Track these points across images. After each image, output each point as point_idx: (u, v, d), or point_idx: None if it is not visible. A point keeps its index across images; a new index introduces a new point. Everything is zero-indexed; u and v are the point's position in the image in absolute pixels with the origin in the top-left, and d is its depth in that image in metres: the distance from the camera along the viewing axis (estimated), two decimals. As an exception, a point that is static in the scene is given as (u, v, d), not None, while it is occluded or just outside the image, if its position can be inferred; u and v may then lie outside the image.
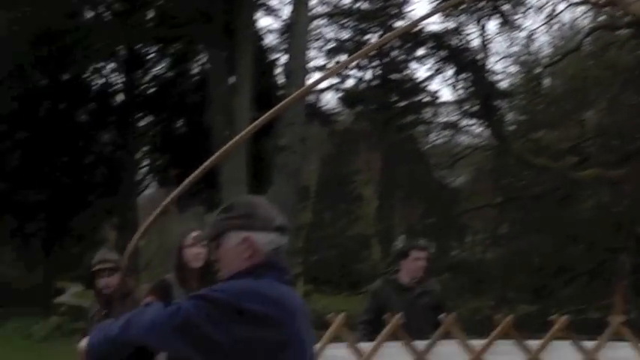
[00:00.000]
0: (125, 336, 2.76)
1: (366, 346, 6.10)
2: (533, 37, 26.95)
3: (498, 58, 28.01)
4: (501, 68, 28.43)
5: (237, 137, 3.06)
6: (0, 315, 26.85)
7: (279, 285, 2.88)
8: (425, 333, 6.96)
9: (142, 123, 29.82)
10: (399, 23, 26.51)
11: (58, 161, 26.35)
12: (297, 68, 18.82)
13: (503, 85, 28.59)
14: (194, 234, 5.88)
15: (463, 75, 27.65)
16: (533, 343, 6.65)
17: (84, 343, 2.92)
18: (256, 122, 2.95)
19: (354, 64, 27.00)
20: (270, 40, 27.57)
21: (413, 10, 27.77)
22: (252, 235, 2.93)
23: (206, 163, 3.01)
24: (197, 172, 3.02)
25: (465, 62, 27.04)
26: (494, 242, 29.50)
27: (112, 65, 29.14)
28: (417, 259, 7.63)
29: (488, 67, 27.49)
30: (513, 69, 29.24)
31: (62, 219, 28.21)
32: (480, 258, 32.09)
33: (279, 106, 3.01)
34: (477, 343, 6.60)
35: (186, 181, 3.07)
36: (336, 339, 5.92)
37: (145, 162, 31.30)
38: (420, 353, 6.26)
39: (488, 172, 27.11)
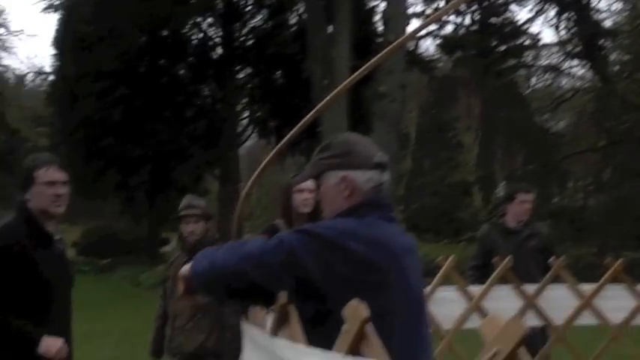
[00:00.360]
0: (229, 266, 2.69)
1: (475, 289, 6.12)
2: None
3: (602, -4, 27.06)
4: (605, 6, 27.57)
5: (338, 88, 2.97)
6: (108, 265, 27.91)
7: (383, 223, 2.82)
8: (533, 276, 6.93)
9: (240, 75, 30.06)
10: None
11: (160, 115, 26.83)
12: (396, 15, 18.55)
13: (608, 23, 27.60)
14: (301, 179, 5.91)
15: (565, 15, 26.85)
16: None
17: (186, 269, 2.91)
18: (358, 72, 2.85)
19: (452, 9, 26.52)
20: (367, -13, 27.29)
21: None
22: (351, 173, 2.87)
23: (308, 116, 2.94)
24: (300, 124, 2.93)
25: (568, 1, 26.21)
26: (596, 188, 28.86)
27: (209, 19, 29.37)
28: (523, 202, 7.59)
29: (592, 5, 26.59)
30: (618, 6, 28.23)
31: (165, 172, 28.82)
32: (582, 204, 31.49)
33: (380, 55, 2.88)
34: (587, 287, 6.55)
35: (290, 133, 2.99)
36: (445, 282, 5.95)
37: (245, 114, 31.64)
38: (529, 297, 6.25)
39: (590, 115, 26.40)
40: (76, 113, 25.47)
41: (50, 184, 4.35)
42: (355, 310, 1.86)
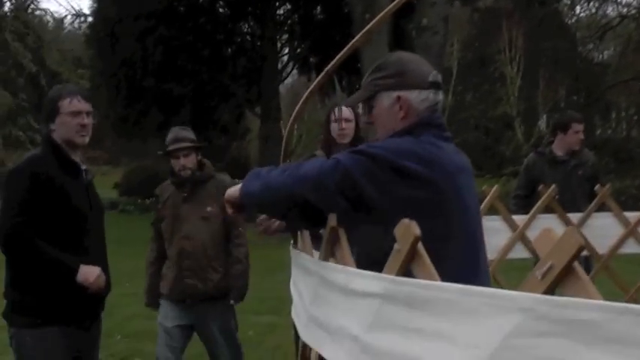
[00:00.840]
0: (286, 187, 2.59)
1: (520, 218, 6.11)
2: None
3: None
4: None
5: (376, 19, 2.88)
6: (152, 204, 28.23)
7: (439, 142, 2.73)
8: (580, 205, 6.91)
9: (280, 12, 29.83)
10: None
11: (200, 55, 26.80)
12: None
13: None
14: (340, 108, 5.62)
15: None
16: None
17: (234, 190, 2.85)
18: (394, 4, 2.79)
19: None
20: None
21: None
22: (406, 93, 2.80)
23: (348, 46, 2.88)
24: (340, 54, 2.89)
25: None
26: (641, 119, 28.44)
27: (247, -45, 29.10)
28: (577, 132, 7.54)
29: None
30: None
31: (206, 111, 28.91)
32: (626, 136, 31.08)
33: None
34: (631, 215, 6.51)
35: (330, 64, 2.93)
36: (489, 211, 5.94)
37: (285, 51, 31.49)
38: (573, 226, 6.23)
39: (637, 43, 25.84)
40: (116, 55, 25.54)
41: (74, 114, 4.35)
42: (406, 229, 1.84)
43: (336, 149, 5.26)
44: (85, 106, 4.41)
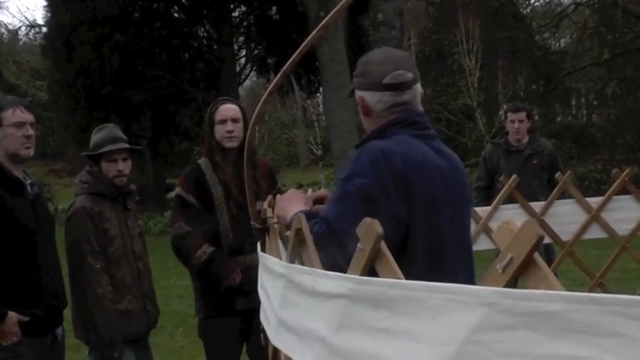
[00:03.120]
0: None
1: (482, 210, 6.15)
2: None
3: None
4: None
5: (330, 13, 2.83)
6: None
7: (411, 140, 2.72)
8: (537, 194, 6.98)
9: (235, 14, 29.76)
10: None
11: (157, 60, 26.66)
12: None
13: None
14: (224, 106, 5.00)
15: None
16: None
17: (285, 213, 2.80)
18: (344, 1, 2.76)
19: None
20: None
21: None
22: (364, 94, 2.84)
23: (303, 44, 2.87)
24: (296, 53, 2.87)
25: None
26: (600, 103, 28.72)
27: (200, -42, 28.97)
28: (512, 122, 7.61)
29: None
30: None
31: (167, 117, 28.77)
32: (586, 121, 31.40)
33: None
34: (593, 200, 6.57)
35: (287, 64, 2.92)
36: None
37: (242, 53, 31.41)
38: (536, 214, 6.27)
39: (593, 29, 26.11)
40: (73, 64, 25.29)
41: (19, 126, 4.20)
42: (368, 228, 1.84)
43: (223, 156, 4.90)
44: (28, 116, 4.27)
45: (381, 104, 2.80)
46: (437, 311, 1.57)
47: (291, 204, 2.85)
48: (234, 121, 4.89)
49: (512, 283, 1.49)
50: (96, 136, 4.90)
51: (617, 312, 1.27)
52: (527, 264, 1.48)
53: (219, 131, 4.89)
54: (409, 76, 2.82)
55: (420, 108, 2.90)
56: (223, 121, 4.88)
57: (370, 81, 2.81)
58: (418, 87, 2.88)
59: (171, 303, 10.33)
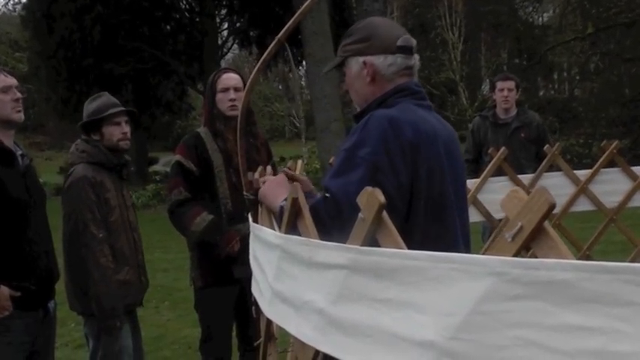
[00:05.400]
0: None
1: (471, 182, 6.12)
2: None
3: None
4: None
5: None
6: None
7: (416, 109, 2.68)
8: (524, 166, 6.97)
9: (218, -14, 29.58)
10: None
11: (139, 32, 26.45)
12: None
13: None
14: (227, 75, 4.99)
15: None
16: (638, 169, 6.61)
17: (274, 199, 2.74)
18: None
19: None
20: None
21: None
22: (371, 58, 2.76)
23: (291, 22, 2.82)
24: (283, 31, 2.83)
25: None
26: (583, 78, 28.80)
27: None
28: (501, 90, 7.56)
29: None
30: None
31: (149, 89, 28.62)
32: (569, 95, 31.51)
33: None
34: (581, 173, 6.58)
35: (274, 41, 2.88)
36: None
37: (225, 26, 31.24)
38: (525, 187, 6.26)
39: (576, 3, 26.11)
40: (54, 35, 25.07)
41: (5, 90, 4.09)
42: (370, 197, 1.79)
43: (225, 124, 4.89)
44: (13, 80, 4.16)
45: (394, 67, 2.74)
46: (440, 281, 1.54)
47: (277, 189, 2.79)
48: (237, 89, 4.86)
49: (521, 254, 1.46)
50: (93, 104, 4.80)
51: (630, 280, 1.24)
52: (538, 232, 1.44)
53: (222, 99, 4.86)
54: (414, 41, 2.83)
55: (417, 78, 2.88)
56: (226, 89, 4.86)
57: (382, 44, 2.74)
58: (417, 56, 2.86)
59: (157, 277, 10.29)
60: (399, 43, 2.75)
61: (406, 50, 2.77)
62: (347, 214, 2.23)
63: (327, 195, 2.44)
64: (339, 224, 2.23)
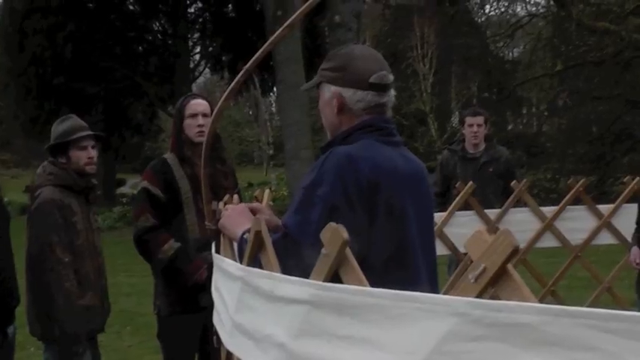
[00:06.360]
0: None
1: (437, 216, 6.13)
2: None
3: None
4: None
5: (293, 17, 2.75)
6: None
7: (379, 146, 2.64)
8: (492, 201, 7.00)
9: (191, 10, 29.62)
10: None
11: (111, 52, 26.38)
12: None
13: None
14: (196, 101, 4.94)
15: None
16: (603, 208, 6.67)
17: (234, 231, 2.69)
18: (310, 1, 2.65)
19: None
20: None
21: None
22: (342, 90, 2.70)
23: (263, 48, 2.75)
24: (255, 56, 2.76)
25: None
26: (551, 113, 29.09)
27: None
28: (470, 126, 7.59)
29: None
30: None
31: (119, 110, 28.50)
32: (537, 130, 31.80)
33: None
34: (547, 209, 6.63)
35: (246, 66, 2.83)
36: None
37: (197, 49, 31.27)
38: (491, 222, 6.30)
39: (546, 40, 26.43)
40: (25, 52, 24.92)
41: None
42: (334, 233, 1.79)
43: (192, 150, 4.81)
44: None
45: (362, 103, 2.70)
46: (403, 319, 1.53)
47: (238, 219, 2.74)
48: (205, 115, 4.81)
49: (484, 295, 1.45)
50: (62, 126, 4.77)
51: (592, 325, 1.24)
52: (501, 274, 1.44)
53: (190, 125, 4.81)
54: (391, 77, 2.76)
55: (390, 113, 2.84)
56: (194, 115, 4.81)
57: (354, 78, 2.70)
58: (393, 91, 2.81)
59: (120, 301, 10.18)
60: (372, 79, 2.68)
61: (379, 88, 2.71)
62: (304, 252, 2.22)
63: (286, 233, 2.42)
64: (297, 261, 2.22)
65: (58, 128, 4.77)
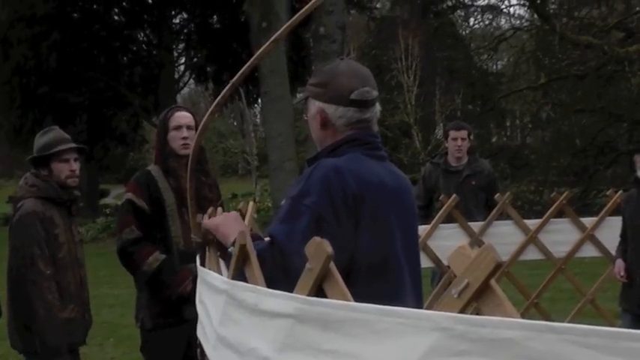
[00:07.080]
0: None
1: (421, 228, 6.14)
2: None
3: None
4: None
5: (281, 30, 2.74)
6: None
7: (365, 159, 2.67)
8: (475, 214, 7.03)
9: (176, 20, 29.59)
10: None
11: (95, 62, 26.30)
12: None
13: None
14: (180, 113, 4.95)
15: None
16: (586, 220, 6.71)
17: (225, 236, 2.68)
18: (298, 14, 2.65)
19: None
20: None
21: None
22: (325, 106, 2.74)
23: (251, 60, 2.74)
24: (243, 69, 2.75)
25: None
26: (535, 126, 29.20)
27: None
28: (454, 140, 7.62)
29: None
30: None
31: (103, 120, 28.40)
32: (520, 143, 31.91)
33: None
34: (531, 222, 6.67)
35: (234, 79, 2.81)
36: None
37: (182, 60, 31.23)
38: (475, 235, 6.32)
39: (530, 54, 26.61)
40: (9, 61, 24.80)
41: None
42: (318, 247, 1.79)
43: (177, 162, 4.82)
44: None
45: (344, 119, 2.73)
46: (386, 334, 1.53)
47: (235, 226, 2.72)
48: (189, 128, 4.84)
49: (467, 310, 1.46)
50: (44, 138, 4.77)
51: (575, 341, 1.25)
52: (484, 290, 1.45)
53: (175, 137, 4.82)
54: (374, 94, 2.78)
55: (375, 128, 2.86)
56: (178, 127, 4.83)
57: (336, 94, 2.72)
58: (378, 106, 2.84)
59: (102, 313, 10.13)
60: (353, 96, 2.71)
61: (360, 104, 2.73)
62: (291, 261, 2.26)
63: (272, 242, 2.43)
64: (283, 271, 2.27)
65: (40, 140, 4.77)
